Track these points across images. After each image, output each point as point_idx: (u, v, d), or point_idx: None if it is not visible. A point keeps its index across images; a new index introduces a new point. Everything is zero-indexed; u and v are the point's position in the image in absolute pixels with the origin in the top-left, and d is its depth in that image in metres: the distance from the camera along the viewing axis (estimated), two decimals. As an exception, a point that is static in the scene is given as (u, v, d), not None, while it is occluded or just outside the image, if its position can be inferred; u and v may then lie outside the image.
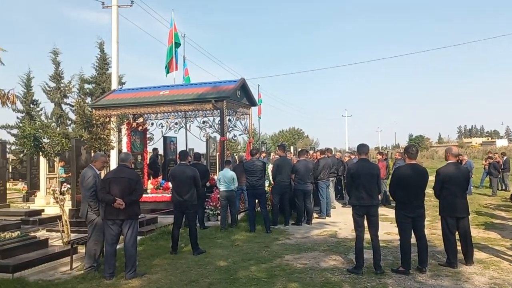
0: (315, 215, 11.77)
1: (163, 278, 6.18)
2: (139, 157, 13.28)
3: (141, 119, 12.54)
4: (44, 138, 9.24)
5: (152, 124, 14.16)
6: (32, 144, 7.25)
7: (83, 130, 9.14)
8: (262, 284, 5.86)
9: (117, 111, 12.02)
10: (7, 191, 19.96)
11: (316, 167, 11.80)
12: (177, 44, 16.21)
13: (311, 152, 17.34)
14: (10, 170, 27.65)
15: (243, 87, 12.53)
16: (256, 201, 9.96)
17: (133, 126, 12.64)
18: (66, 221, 8.24)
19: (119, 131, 12.38)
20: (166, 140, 14.62)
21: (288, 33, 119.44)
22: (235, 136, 12.88)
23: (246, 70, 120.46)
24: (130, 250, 6.23)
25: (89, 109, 11.27)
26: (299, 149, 13.64)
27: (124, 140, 12.53)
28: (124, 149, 12.49)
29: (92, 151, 9.46)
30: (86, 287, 5.78)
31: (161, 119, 12.73)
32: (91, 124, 9.67)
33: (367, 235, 6.45)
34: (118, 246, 6.44)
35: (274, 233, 9.56)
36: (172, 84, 13.98)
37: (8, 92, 5.86)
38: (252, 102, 13.15)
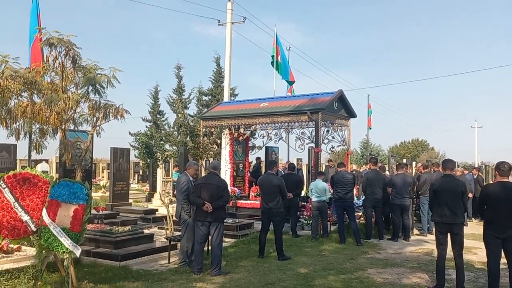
0: (416, 231, 11.37)
1: (243, 278, 6.68)
2: (241, 165, 14.20)
3: (242, 130, 13.41)
4: (160, 146, 10.39)
5: (254, 134, 14.99)
6: (144, 151, 8.39)
7: (189, 139, 10.20)
8: (335, 293, 6.02)
9: (220, 122, 13.07)
10: (136, 192, 22.76)
11: (417, 182, 11.40)
12: (272, 57, 17.09)
13: (419, 165, 16.62)
14: (141, 173, 31.24)
15: (341, 98, 12.61)
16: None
17: (235, 136, 13.61)
18: (170, 220, 9.24)
19: (221, 139, 13.38)
20: (268, 150, 15.32)
21: (407, 40, 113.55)
22: (333, 147, 13.01)
23: (362, 80, 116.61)
24: (216, 249, 6.86)
25: (190, 120, 12.41)
26: (397, 163, 13.19)
27: (227, 149, 13.51)
28: (227, 158, 13.47)
29: (199, 159, 10.46)
30: (176, 279, 6.53)
31: (261, 130, 13.45)
32: (193, 134, 10.72)
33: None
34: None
35: (366, 246, 9.50)
36: (272, 96, 14.66)
37: (118, 106, 6.97)
38: (351, 114, 13.13)
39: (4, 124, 6.64)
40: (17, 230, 5.60)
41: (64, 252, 5.47)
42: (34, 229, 5.60)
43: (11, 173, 5.86)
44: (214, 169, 7.21)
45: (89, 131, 7.62)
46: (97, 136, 7.62)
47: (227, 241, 9.68)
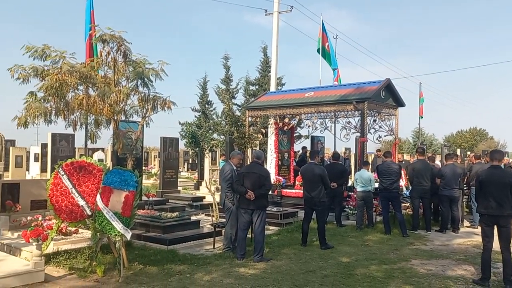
0: (467, 223, 11.06)
1: (285, 265, 6.85)
2: (286, 155, 14.33)
3: (287, 119, 13.50)
4: (206, 135, 10.70)
5: (301, 124, 15.02)
6: (190, 141, 8.74)
7: (234, 128, 10.48)
8: (376, 283, 6.04)
9: (265, 112, 13.24)
10: (186, 180, 23.51)
11: (468, 173, 11.06)
12: (319, 50, 16.93)
13: (471, 155, 15.99)
14: (190, 162, 32.15)
15: (388, 87, 12.36)
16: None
17: (280, 125, 13.73)
18: (216, 207, 9.55)
19: (266, 129, 13.53)
20: (314, 139, 15.31)
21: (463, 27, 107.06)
22: (380, 137, 12.79)
23: (415, 67, 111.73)
24: (258, 236, 7.07)
25: (237, 110, 12.64)
26: (447, 152, 12.75)
27: (272, 138, 13.65)
28: (272, 147, 13.64)
29: (241, 148, 10.71)
30: (220, 264, 6.80)
31: (306, 120, 13.49)
32: (238, 123, 10.94)
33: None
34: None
35: (412, 237, 9.37)
36: (317, 86, 14.58)
37: (166, 98, 7.30)
38: (399, 103, 12.84)
39: (63, 116, 7.15)
40: (74, 214, 6.06)
41: (116, 235, 5.87)
42: (90, 213, 6.05)
43: (69, 161, 6.34)
44: (257, 159, 7.38)
45: (139, 122, 8.02)
46: (147, 126, 8.01)
47: (271, 229, 9.88)
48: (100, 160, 17.71)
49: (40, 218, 7.38)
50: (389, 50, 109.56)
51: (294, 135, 15.15)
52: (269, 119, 13.51)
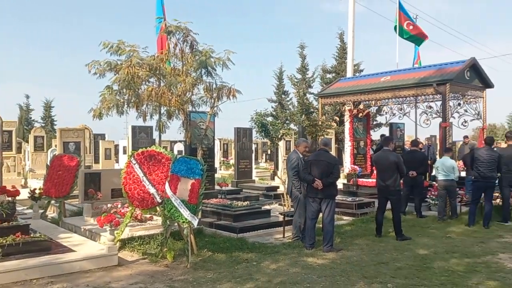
0: None
1: (355, 255, 6.56)
2: (362, 143, 13.77)
3: (361, 106, 12.94)
4: (275, 125, 10.58)
5: (380, 110, 14.36)
6: (260, 130, 8.73)
7: (304, 116, 10.27)
8: (455, 277, 5.56)
9: (339, 98, 12.77)
10: (264, 170, 23.75)
11: None
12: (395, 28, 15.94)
13: None
14: (269, 153, 32.42)
15: (474, 67, 11.26)
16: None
17: (354, 112, 13.20)
18: (287, 196, 9.45)
19: (340, 117, 13.08)
20: (393, 127, 14.53)
21: None
22: (465, 122, 11.76)
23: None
24: (327, 226, 6.84)
25: (307, 98, 12.35)
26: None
27: (347, 126, 13.17)
28: (347, 135, 13.18)
29: (313, 136, 10.48)
30: (289, 253, 6.69)
31: (383, 106, 12.84)
32: (308, 111, 10.68)
33: None
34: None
35: (502, 230, 8.58)
36: (394, 69, 13.76)
37: (230, 87, 7.31)
38: (486, 84, 11.65)
39: (135, 107, 7.48)
40: (146, 201, 6.31)
41: (184, 222, 6.02)
42: (159, 201, 6.25)
43: (140, 150, 6.61)
44: (324, 145, 7.14)
45: (208, 112, 8.14)
46: (215, 116, 8.10)
47: (345, 219, 9.58)
48: (180, 152, 18.49)
49: (119, 206, 7.81)
50: (479, 29, 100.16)
51: (374, 123, 14.48)
52: (343, 106, 13.05)
